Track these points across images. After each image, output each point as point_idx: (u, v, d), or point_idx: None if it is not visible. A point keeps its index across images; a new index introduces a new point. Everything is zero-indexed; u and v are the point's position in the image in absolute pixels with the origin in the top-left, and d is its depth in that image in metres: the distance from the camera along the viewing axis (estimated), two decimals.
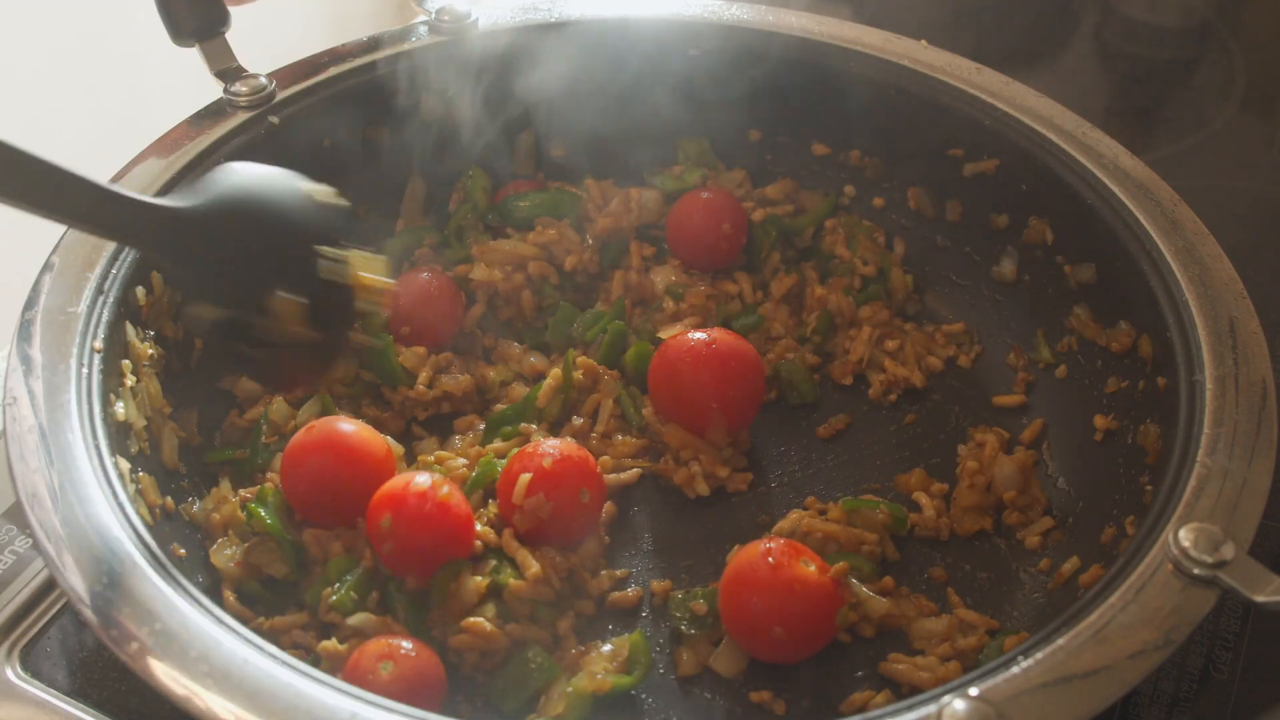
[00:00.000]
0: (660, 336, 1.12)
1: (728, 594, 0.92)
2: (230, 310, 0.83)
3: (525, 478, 0.94)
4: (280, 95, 1.10)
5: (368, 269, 0.87)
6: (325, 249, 0.85)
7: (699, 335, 1.06)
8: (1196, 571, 0.73)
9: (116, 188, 0.78)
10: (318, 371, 0.95)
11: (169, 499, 0.92)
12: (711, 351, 1.04)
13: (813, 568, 0.90)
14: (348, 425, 0.98)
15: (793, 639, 0.89)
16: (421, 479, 0.92)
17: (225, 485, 0.99)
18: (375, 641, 0.85)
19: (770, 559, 0.90)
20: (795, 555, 0.91)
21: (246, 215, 0.83)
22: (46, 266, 0.92)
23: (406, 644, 0.85)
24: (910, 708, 0.67)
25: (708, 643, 0.93)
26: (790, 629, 0.89)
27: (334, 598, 0.89)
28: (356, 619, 0.88)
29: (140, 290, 0.96)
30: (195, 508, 0.96)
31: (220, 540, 0.94)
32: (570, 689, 0.86)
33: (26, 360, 0.85)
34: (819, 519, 0.99)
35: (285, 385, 0.97)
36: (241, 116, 1.08)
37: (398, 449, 1.02)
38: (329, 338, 0.87)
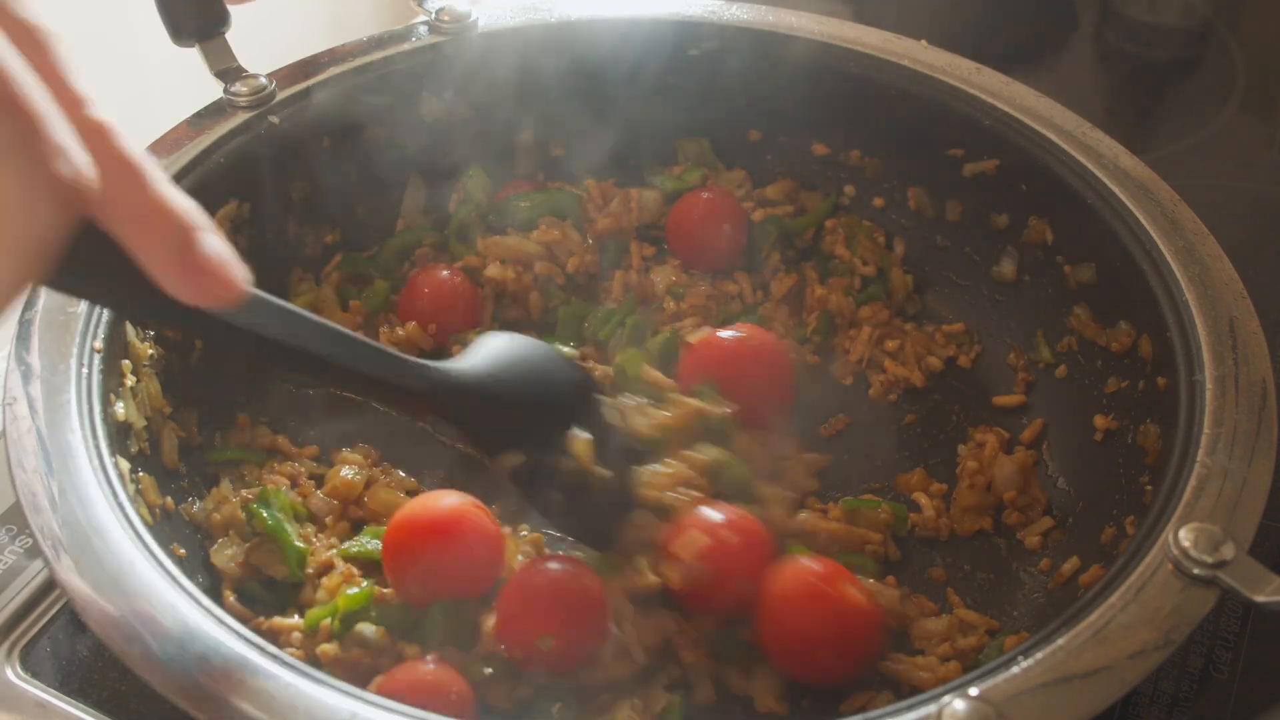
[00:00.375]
0: (689, 340, 1.10)
1: (772, 618, 0.88)
2: (531, 452, 0.88)
3: (699, 538, 0.89)
4: (280, 95, 1.10)
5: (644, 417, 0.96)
6: (602, 397, 0.94)
7: (729, 333, 1.06)
8: (1196, 571, 0.73)
9: (407, 357, 0.83)
10: (617, 517, 0.94)
11: (169, 499, 0.92)
12: (749, 348, 1.05)
13: (856, 589, 0.88)
14: (451, 499, 0.92)
15: (846, 663, 0.87)
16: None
17: (226, 485, 0.99)
18: (404, 667, 0.85)
19: (821, 583, 0.87)
20: (840, 577, 0.88)
21: (528, 370, 0.91)
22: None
23: (431, 664, 0.84)
24: (910, 708, 0.67)
25: (739, 671, 0.91)
26: (845, 654, 0.86)
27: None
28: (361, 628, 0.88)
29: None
30: (195, 508, 0.96)
31: (220, 541, 0.94)
32: None
33: (25, 361, 0.85)
34: (823, 519, 0.99)
35: (591, 536, 0.95)
36: (241, 116, 1.08)
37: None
38: (619, 476, 0.92)
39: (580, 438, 0.89)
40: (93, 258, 0.59)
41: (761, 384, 1.06)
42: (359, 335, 0.80)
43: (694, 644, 0.90)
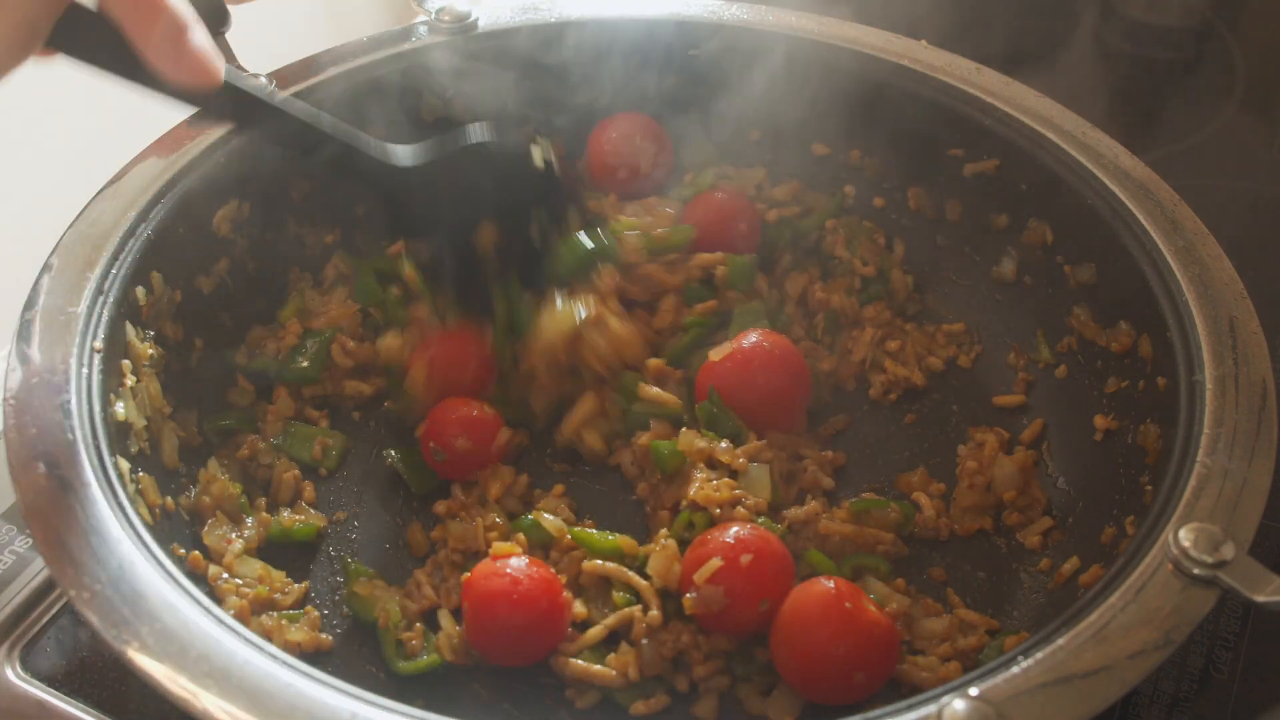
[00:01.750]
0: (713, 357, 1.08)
1: (789, 637, 0.87)
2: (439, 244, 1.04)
3: (714, 563, 0.88)
4: (280, 95, 1.10)
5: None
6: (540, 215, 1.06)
7: (746, 341, 1.06)
8: (1196, 571, 0.73)
9: (363, 141, 0.98)
10: (481, 310, 1.07)
11: (169, 499, 0.92)
12: (764, 354, 1.05)
13: (873, 607, 0.87)
14: (521, 565, 0.91)
15: (865, 683, 0.85)
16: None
17: (213, 465, 1.00)
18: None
19: (843, 602, 0.85)
20: (859, 595, 0.87)
21: (472, 163, 1.02)
22: (45, 267, 0.92)
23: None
24: (910, 707, 0.67)
25: (756, 691, 0.90)
26: (864, 674, 0.85)
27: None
28: None
29: (140, 290, 0.96)
30: (191, 496, 0.97)
31: (210, 521, 0.95)
32: None
33: (26, 360, 0.85)
34: (835, 522, 0.99)
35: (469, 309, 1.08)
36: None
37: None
38: (502, 278, 1.06)
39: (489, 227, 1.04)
40: (92, 32, 0.77)
41: (778, 388, 1.05)
42: (315, 115, 0.97)
43: (707, 659, 0.90)
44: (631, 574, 0.94)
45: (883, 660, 0.86)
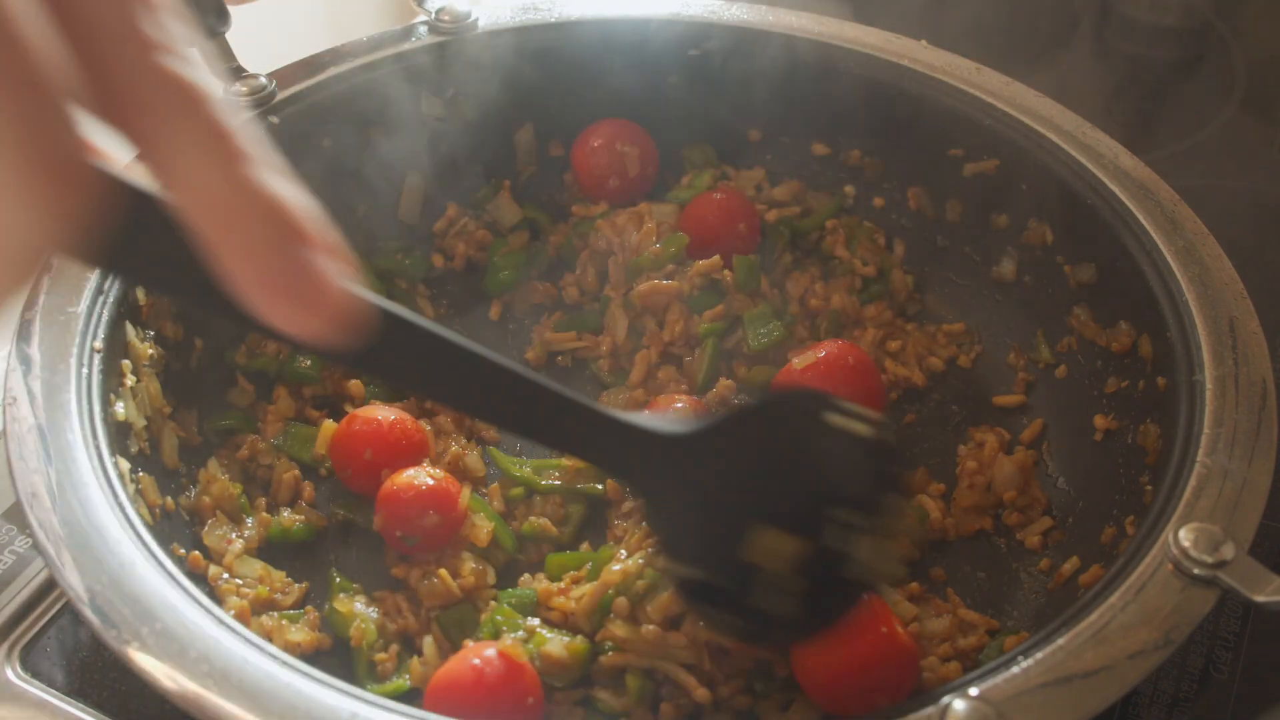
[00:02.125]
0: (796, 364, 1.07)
1: (813, 651, 0.83)
2: (706, 566, 0.71)
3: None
4: (280, 95, 1.10)
5: (883, 558, 0.73)
6: (843, 512, 0.71)
7: (834, 350, 1.06)
8: (1197, 571, 0.73)
9: (606, 411, 0.69)
10: (785, 642, 0.81)
11: (168, 499, 0.92)
12: (843, 365, 1.05)
13: (900, 626, 0.85)
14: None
15: (893, 698, 0.81)
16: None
17: (214, 465, 1.00)
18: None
19: (871, 619, 0.82)
20: (886, 612, 0.84)
21: (750, 432, 0.70)
22: (45, 266, 0.92)
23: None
24: (911, 708, 0.67)
25: (774, 707, 0.89)
26: (893, 692, 0.82)
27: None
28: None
29: (140, 290, 0.96)
30: (190, 496, 0.96)
31: (210, 522, 0.95)
32: None
33: (26, 360, 0.85)
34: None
35: (758, 642, 0.81)
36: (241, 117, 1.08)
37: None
38: (815, 616, 0.74)
39: (772, 534, 0.70)
40: (156, 239, 0.47)
41: (856, 400, 1.03)
42: (524, 371, 0.65)
43: (728, 679, 0.88)
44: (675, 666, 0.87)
45: (905, 678, 0.83)
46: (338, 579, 0.96)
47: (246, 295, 0.46)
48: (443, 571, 0.94)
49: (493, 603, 0.93)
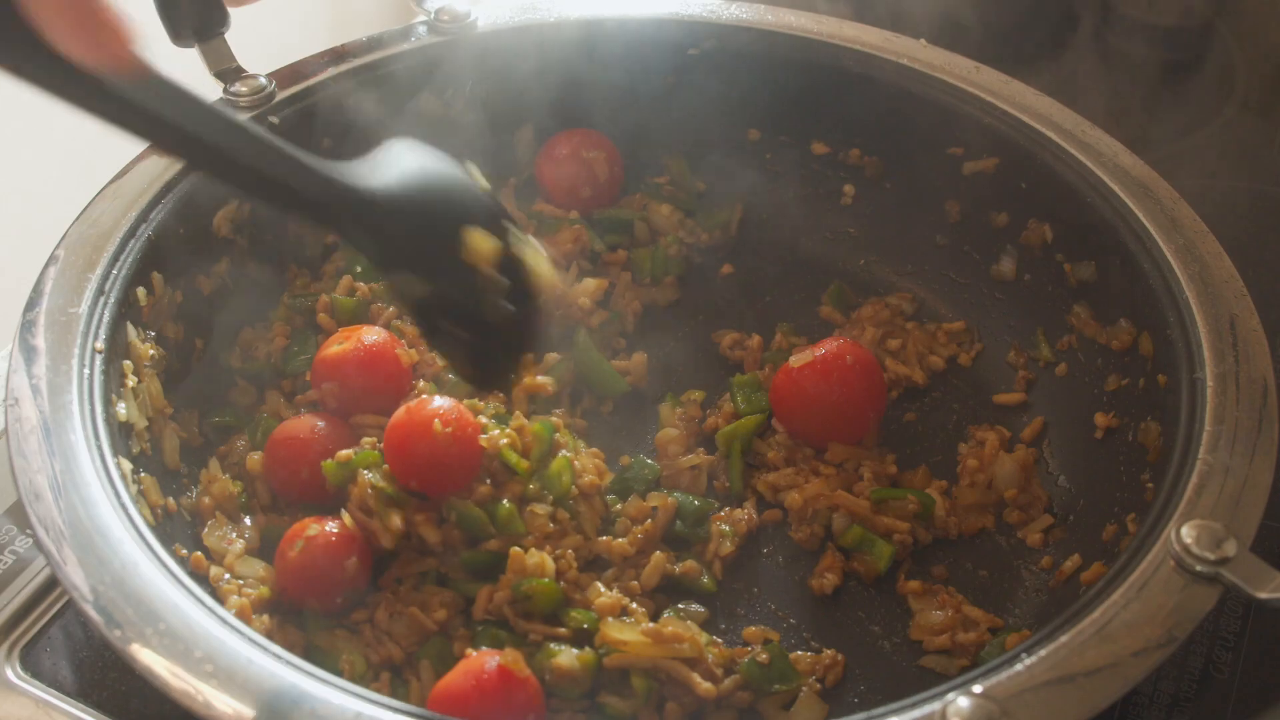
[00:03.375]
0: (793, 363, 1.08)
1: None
2: (433, 278, 0.84)
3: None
4: (280, 95, 1.10)
5: (538, 257, 0.90)
6: (509, 225, 0.87)
7: (833, 349, 1.07)
8: (1199, 568, 0.73)
9: (319, 165, 0.79)
10: (515, 353, 0.93)
11: (170, 500, 0.92)
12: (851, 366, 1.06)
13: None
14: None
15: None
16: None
17: (214, 465, 1.00)
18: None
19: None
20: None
21: (434, 191, 0.86)
22: (51, 259, 0.92)
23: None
24: (914, 705, 0.67)
25: (777, 705, 0.90)
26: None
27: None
28: None
29: (141, 291, 0.96)
30: (192, 496, 0.96)
31: (210, 523, 0.94)
32: None
33: (29, 360, 0.85)
34: (850, 496, 1.00)
35: (486, 377, 0.95)
36: (241, 117, 1.08)
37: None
38: (523, 312, 0.88)
39: (478, 233, 0.85)
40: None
41: (853, 399, 1.05)
42: (265, 132, 0.78)
43: (728, 674, 0.89)
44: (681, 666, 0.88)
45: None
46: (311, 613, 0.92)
47: (51, 30, 0.59)
48: (413, 609, 0.91)
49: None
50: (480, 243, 0.84)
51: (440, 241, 0.84)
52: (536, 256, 0.90)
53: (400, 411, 0.96)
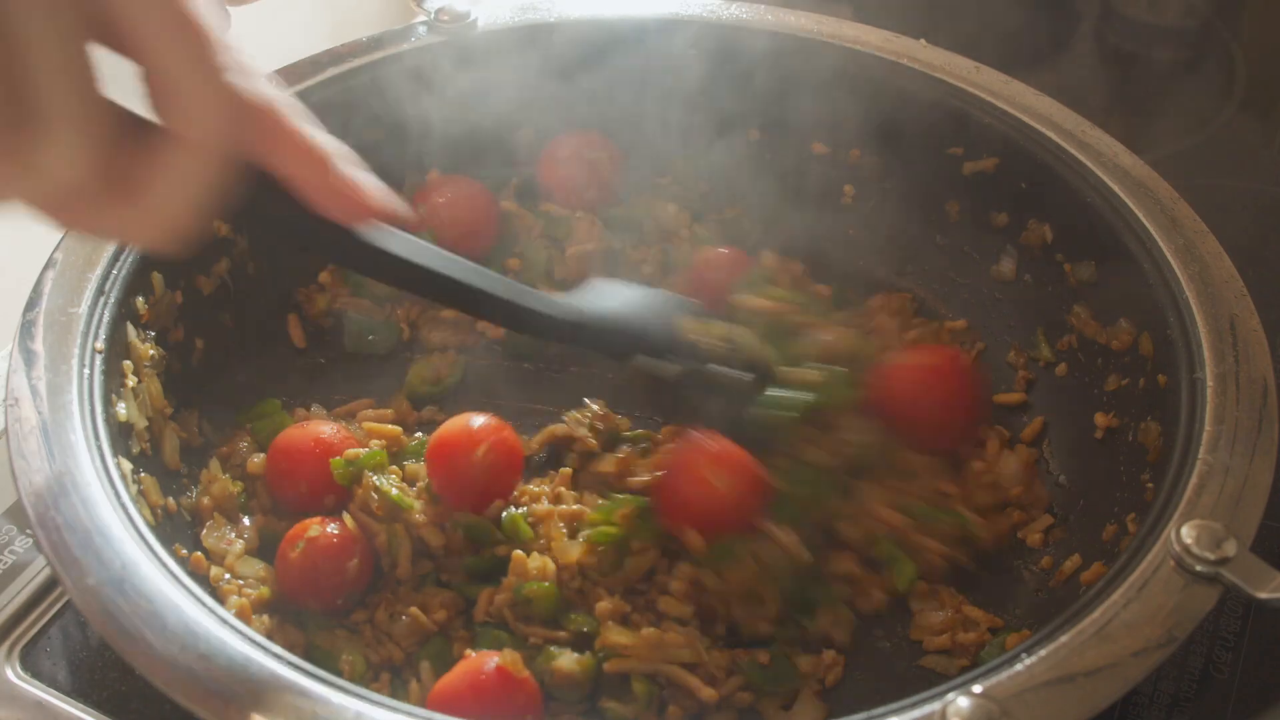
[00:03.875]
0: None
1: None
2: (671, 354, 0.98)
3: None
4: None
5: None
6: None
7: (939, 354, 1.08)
8: (1199, 568, 0.73)
9: (539, 299, 0.91)
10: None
11: (170, 500, 0.92)
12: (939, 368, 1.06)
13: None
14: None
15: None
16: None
17: (214, 465, 1.00)
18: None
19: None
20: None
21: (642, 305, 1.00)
22: (49, 263, 0.92)
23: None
24: (914, 705, 0.67)
25: (776, 705, 0.89)
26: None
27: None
28: None
29: (141, 291, 0.96)
30: (192, 496, 0.96)
31: (209, 524, 0.94)
32: None
33: (29, 360, 0.85)
34: (886, 509, 0.97)
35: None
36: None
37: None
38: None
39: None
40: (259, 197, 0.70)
41: (949, 406, 1.04)
42: (493, 273, 0.87)
43: (729, 676, 0.89)
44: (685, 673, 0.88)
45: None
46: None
47: (310, 196, 0.70)
48: (414, 609, 0.91)
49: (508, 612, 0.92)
50: (698, 326, 1.00)
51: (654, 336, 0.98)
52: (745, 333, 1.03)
53: (444, 429, 0.96)
